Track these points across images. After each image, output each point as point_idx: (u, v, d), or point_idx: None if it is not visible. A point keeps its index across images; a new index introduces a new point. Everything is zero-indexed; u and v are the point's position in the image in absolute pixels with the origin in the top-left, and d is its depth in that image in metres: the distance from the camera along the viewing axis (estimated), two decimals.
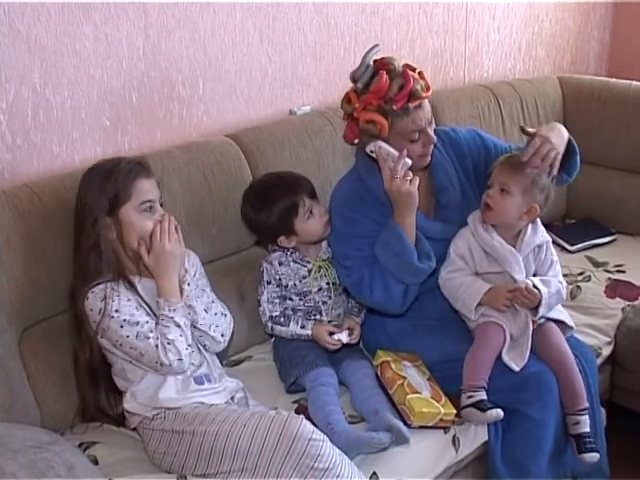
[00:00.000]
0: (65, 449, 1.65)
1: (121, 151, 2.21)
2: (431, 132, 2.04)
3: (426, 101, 2.02)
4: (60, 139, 2.10)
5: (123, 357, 1.85)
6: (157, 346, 1.80)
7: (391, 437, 1.82)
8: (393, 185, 1.98)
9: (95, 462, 1.79)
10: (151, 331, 1.81)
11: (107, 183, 1.83)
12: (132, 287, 1.86)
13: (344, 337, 2.10)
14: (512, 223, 2.07)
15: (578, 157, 2.16)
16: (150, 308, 1.87)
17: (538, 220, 2.12)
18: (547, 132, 2.04)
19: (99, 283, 1.83)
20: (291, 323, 2.14)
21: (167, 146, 2.27)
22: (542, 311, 2.02)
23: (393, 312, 2.12)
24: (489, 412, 1.91)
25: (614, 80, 3.11)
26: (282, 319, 2.15)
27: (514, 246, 2.07)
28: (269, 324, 2.16)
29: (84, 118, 2.13)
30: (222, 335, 1.97)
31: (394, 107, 1.96)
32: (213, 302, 1.99)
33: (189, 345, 1.86)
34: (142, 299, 1.87)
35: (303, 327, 2.12)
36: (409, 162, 1.98)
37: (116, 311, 1.80)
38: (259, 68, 2.50)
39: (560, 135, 2.08)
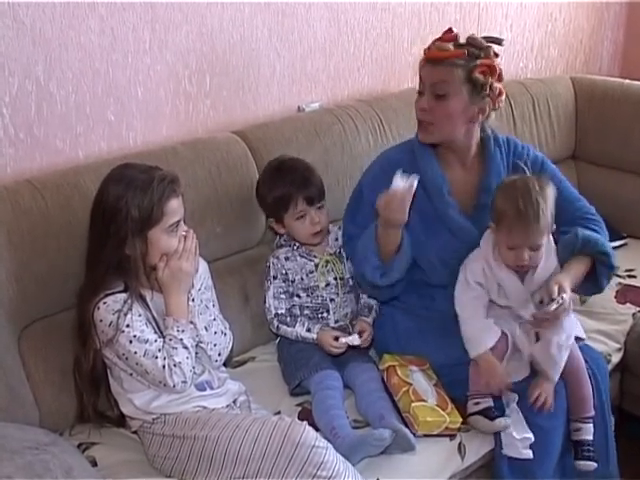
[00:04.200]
0: (63, 450, 1.63)
1: (126, 147, 2.19)
2: (426, 99, 2.01)
3: (440, 69, 1.98)
4: (64, 134, 2.08)
5: (124, 369, 1.82)
6: (164, 367, 1.76)
7: (392, 434, 1.79)
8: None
9: (94, 463, 1.78)
10: (159, 350, 1.78)
11: (140, 202, 1.76)
12: (144, 301, 1.83)
13: (355, 339, 2.06)
14: None
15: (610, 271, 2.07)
16: (157, 324, 1.84)
17: (553, 247, 2.00)
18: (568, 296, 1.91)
19: (111, 293, 1.79)
20: (297, 324, 2.11)
21: (172, 142, 2.24)
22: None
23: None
24: (497, 420, 1.89)
25: (627, 81, 3.09)
26: (288, 319, 2.12)
27: (525, 277, 1.97)
28: (275, 322, 2.13)
29: (89, 112, 2.11)
30: (219, 354, 1.93)
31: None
32: (214, 320, 1.94)
33: (193, 366, 1.83)
34: (152, 314, 1.84)
35: (309, 330, 2.09)
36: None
37: (127, 326, 1.76)
38: (267, 64, 2.47)
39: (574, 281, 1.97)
